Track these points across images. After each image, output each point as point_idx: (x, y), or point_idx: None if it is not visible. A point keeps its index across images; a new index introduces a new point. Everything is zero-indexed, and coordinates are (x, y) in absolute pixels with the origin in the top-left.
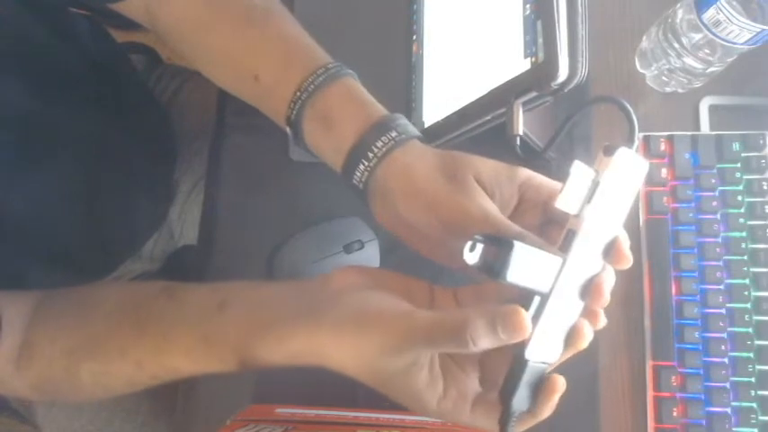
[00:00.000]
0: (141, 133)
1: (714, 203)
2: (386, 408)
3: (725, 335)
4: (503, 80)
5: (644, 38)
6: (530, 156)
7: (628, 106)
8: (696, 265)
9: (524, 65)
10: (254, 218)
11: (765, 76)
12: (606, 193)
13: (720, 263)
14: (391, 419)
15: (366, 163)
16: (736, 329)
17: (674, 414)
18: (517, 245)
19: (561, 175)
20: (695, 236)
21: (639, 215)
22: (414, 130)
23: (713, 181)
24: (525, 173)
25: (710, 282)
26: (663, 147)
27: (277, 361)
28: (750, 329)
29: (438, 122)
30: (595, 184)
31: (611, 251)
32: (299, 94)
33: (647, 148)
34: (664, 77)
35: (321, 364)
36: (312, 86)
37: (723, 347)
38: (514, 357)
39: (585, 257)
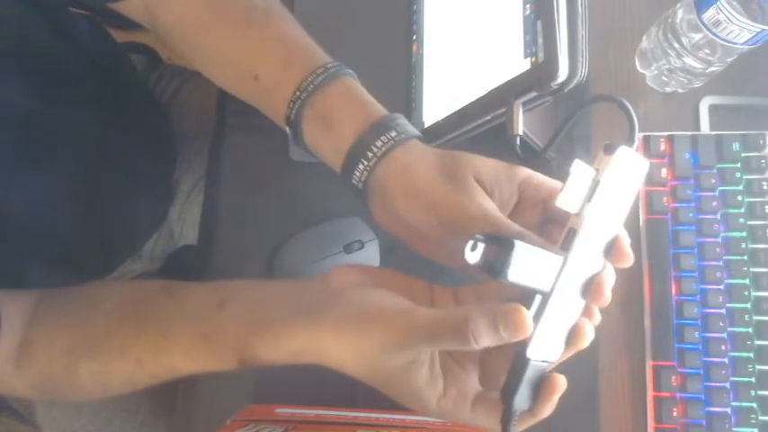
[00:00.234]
0: (141, 133)
1: (714, 203)
2: (386, 408)
3: (725, 335)
4: (503, 80)
5: (644, 38)
6: (530, 156)
7: (628, 105)
8: (696, 265)
9: (524, 65)
10: (254, 218)
11: (765, 76)
12: (607, 191)
13: (720, 263)
14: (391, 419)
15: (365, 163)
16: (736, 329)
17: (674, 414)
18: (518, 244)
19: (561, 175)
20: (695, 236)
21: (639, 215)
22: (413, 130)
23: (713, 181)
24: (525, 172)
25: (710, 282)
26: (663, 147)
27: (276, 359)
28: (750, 329)
29: (438, 122)
30: (596, 183)
31: (612, 249)
32: (298, 93)
33: (647, 147)
34: (664, 77)
35: (321, 362)
36: (311, 86)
37: (723, 347)
38: (516, 356)
39: (586, 256)
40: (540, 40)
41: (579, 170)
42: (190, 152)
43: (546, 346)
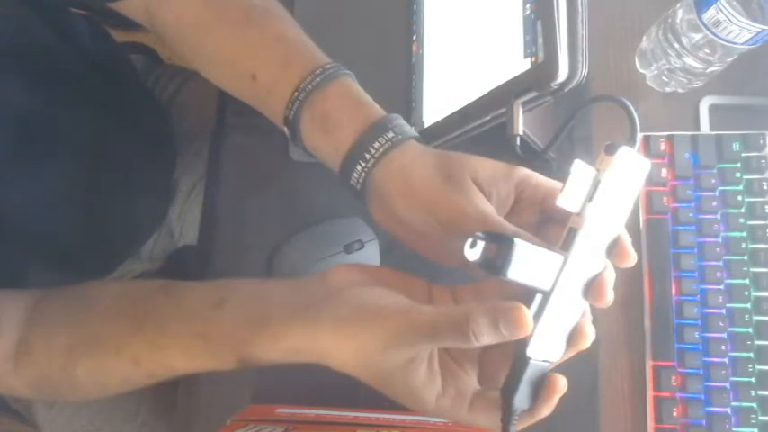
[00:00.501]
0: (141, 133)
1: (714, 203)
2: (386, 408)
3: (725, 335)
4: (503, 80)
5: (644, 38)
6: (530, 156)
7: (629, 105)
8: (696, 265)
9: (524, 65)
10: (254, 218)
11: (765, 76)
12: (608, 191)
13: (720, 263)
14: (391, 419)
15: (363, 164)
16: (736, 329)
17: (674, 414)
18: (518, 242)
19: (561, 175)
20: (695, 236)
21: (639, 215)
22: (411, 131)
23: (713, 181)
24: (522, 171)
25: (710, 282)
26: (663, 147)
27: (275, 358)
28: (750, 329)
29: (438, 122)
30: (597, 183)
31: (614, 249)
32: (296, 94)
33: (648, 148)
34: (664, 77)
35: (320, 361)
36: (310, 87)
37: (723, 347)
38: (516, 355)
39: (588, 256)
40: (540, 40)
41: (579, 170)
42: (190, 152)
43: (546, 345)
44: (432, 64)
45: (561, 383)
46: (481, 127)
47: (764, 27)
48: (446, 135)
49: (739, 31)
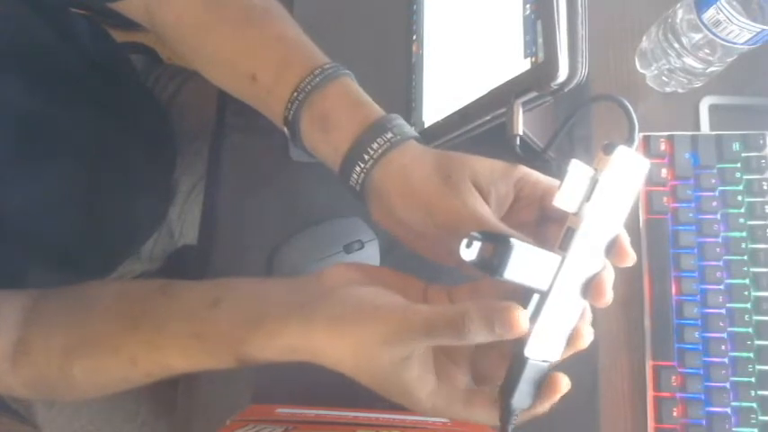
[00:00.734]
0: (141, 133)
1: (714, 203)
2: (386, 408)
3: (725, 335)
4: (503, 80)
5: (644, 38)
6: (530, 156)
7: (627, 104)
8: (696, 265)
9: (524, 65)
10: (254, 218)
11: (765, 76)
12: (605, 191)
13: (720, 263)
14: (391, 419)
15: (362, 165)
16: (736, 329)
17: (674, 414)
18: (515, 241)
19: (561, 175)
20: (695, 236)
21: (639, 215)
22: (410, 131)
23: (713, 181)
24: (521, 170)
25: (710, 282)
26: (663, 147)
27: (270, 357)
28: (750, 329)
29: (438, 122)
30: (594, 183)
31: (613, 248)
32: (295, 94)
33: (647, 148)
34: (664, 77)
35: (315, 360)
36: (309, 87)
37: (723, 347)
38: (514, 355)
39: (586, 256)
40: (540, 40)
41: (576, 169)
42: (190, 152)
43: (545, 345)
44: (432, 64)
45: (563, 383)
46: (481, 127)
47: (764, 27)
48: (446, 135)
49: (739, 31)
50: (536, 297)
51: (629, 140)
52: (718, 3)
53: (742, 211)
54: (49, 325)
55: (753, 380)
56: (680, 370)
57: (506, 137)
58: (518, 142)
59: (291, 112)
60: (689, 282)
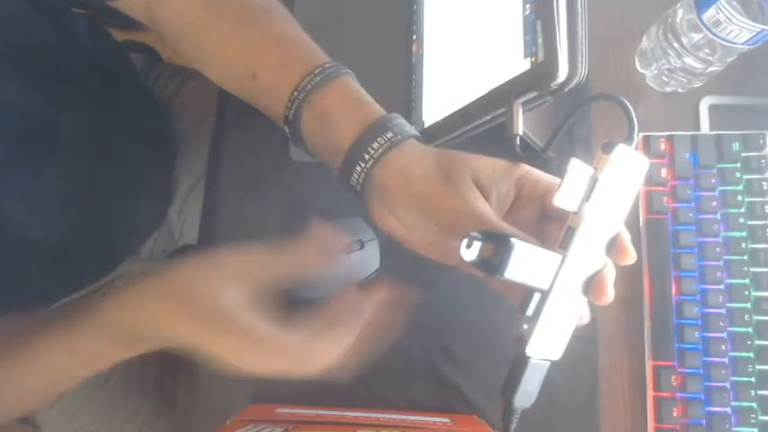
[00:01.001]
0: (141, 133)
1: (714, 203)
2: (386, 408)
3: (725, 335)
4: (503, 80)
5: (644, 38)
6: (530, 155)
7: (626, 103)
8: (696, 264)
9: (524, 65)
10: (254, 218)
11: (765, 76)
12: (605, 190)
13: (720, 263)
14: (391, 419)
15: (362, 164)
16: (736, 329)
17: (674, 414)
18: (515, 241)
19: (561, 174)
20: (695, 236)
21: (639, 215)
22: (411, 130)
23: (713, 181)
24: (522, 168)
25: (710, 282)
26: (663, 147)
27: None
28: (750, 329)
29: (438, 122)
30: (594, 182)
31: (613, 246)
32: (296, 93)
33: (647, 147)
34: (664, 77)
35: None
36: (309, 86)
37: (723, 347)
38: (515, 354)
39: (587, 255)
40: (540, 40)
41: (576, 168)
42: (190, 152)
43: (546, 344)
44: (432, 64)
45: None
46: (481, 127)
47: (764, 27)
48: (446, 135)
49: (739, 30)
50: (537, 296)
51: (628, 139)
52: (718, 3)
53: (742, 210)
54: None
55: (753, 380)
56: (680, 370)
57: (506, 137)
58: (518, 142)
59: (292, 112)
60: (689, 281)
